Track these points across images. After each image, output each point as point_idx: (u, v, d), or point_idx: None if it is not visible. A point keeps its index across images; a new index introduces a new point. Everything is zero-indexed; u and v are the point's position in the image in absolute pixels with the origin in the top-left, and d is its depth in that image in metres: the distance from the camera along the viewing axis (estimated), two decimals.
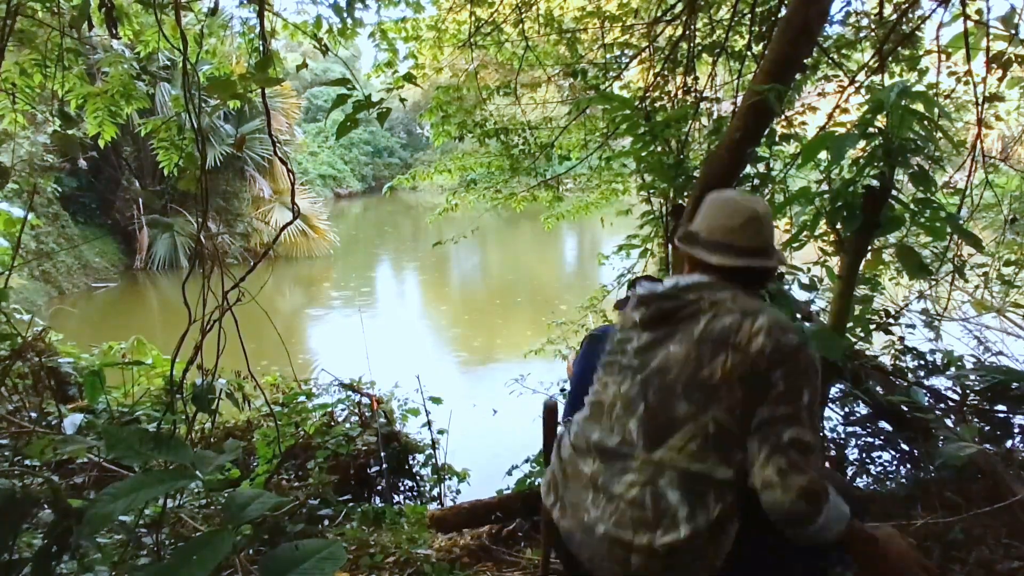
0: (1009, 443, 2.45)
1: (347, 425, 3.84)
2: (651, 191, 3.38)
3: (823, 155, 1.87)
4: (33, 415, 2.73)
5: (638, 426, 1.37)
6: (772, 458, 1.26)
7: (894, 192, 1.88)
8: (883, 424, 2.81)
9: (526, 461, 3.12)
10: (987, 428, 2.49)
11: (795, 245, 2.18)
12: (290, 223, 3.62)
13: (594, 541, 1.35)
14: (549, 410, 1.68)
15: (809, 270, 2.71)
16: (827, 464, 2.62)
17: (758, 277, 1.51)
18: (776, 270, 1.62)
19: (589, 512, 1.37)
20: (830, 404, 2.74)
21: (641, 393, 1.39)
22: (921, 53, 3.86)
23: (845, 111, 3.74)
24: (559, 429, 1.95)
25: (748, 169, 3.01)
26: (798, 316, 2.29)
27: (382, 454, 3.56)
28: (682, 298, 1.43)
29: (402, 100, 2.99)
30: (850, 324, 2.24)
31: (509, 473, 3.05)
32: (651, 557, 1.29)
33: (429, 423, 3.84)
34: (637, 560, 1.30)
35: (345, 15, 3.73)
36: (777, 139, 3.04)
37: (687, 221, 1.61)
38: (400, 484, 3.90)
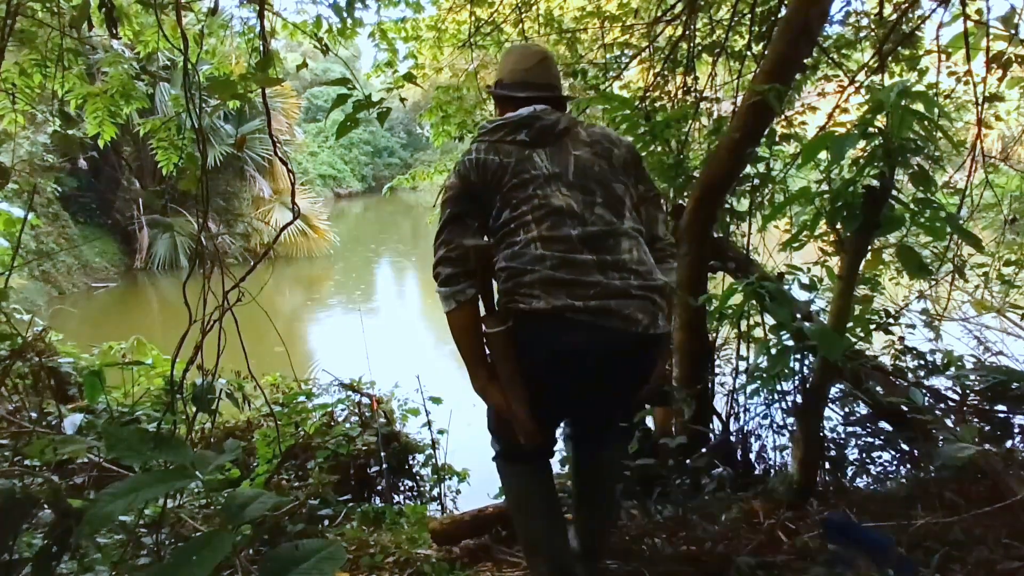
0: (1009, 443, 2.45)
1: (347, 425, 3.84)
2: None
3: (823, 155, 1.87)
4: (33, 415, 2.73)
5: (605, 210, 1.68)
6: (664, 225, 1.86)
7: (894, 192, 1.88)
8: (883, 424, 2.81)
9: None
10: (987, 428, 2.49)
11: (795, 245, 2.18)
12: (290, 223, 3.61)
13: (628, 304, 1.59)
14: (483, 249, 1.72)
15: (809, 270, 2.71)
16: (827, 464, 2.62)
17: (558, 104, 1.85)
18: (567, 101, 1.96)
19: (613, 283, 1.60)
20: (830, 404, 2.73)
21: (586, 188, 1.69)
22: (921, 53, 3.86)
23: (845, 111, 3.74)
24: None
25: (748, 169, 3.02)
26: (798, 316, 2.29)
27: (382, 454, 3.56)
28: (547, 119, 1.74)
29: (402, 100, 2.99)
30: (850, 324, 2.24)
31: None
32: (661, 293, 1.67)
33: (429, 423, 3.83)
34: (658, 297, 1.66)
35: (345, 15, 3.73)
36: (777, 139, 3.04)
37: (502, 80, 1.90)
38: (400, 484, 3.89)
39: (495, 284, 1.73)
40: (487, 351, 1.70)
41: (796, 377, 2.40)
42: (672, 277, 1.82)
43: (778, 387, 2.58)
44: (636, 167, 1.81)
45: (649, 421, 2.85)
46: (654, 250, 1.77)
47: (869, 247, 2.03)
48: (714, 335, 3.20)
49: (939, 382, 2.80)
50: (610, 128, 1.87)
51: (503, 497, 2.75)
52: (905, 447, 2.71)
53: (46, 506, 1.43)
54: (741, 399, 3.01)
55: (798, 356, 2.30)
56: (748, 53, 3.85)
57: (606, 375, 1.64)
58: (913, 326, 3.09)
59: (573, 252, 1.61)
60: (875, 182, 1.87)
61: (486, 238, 1.75)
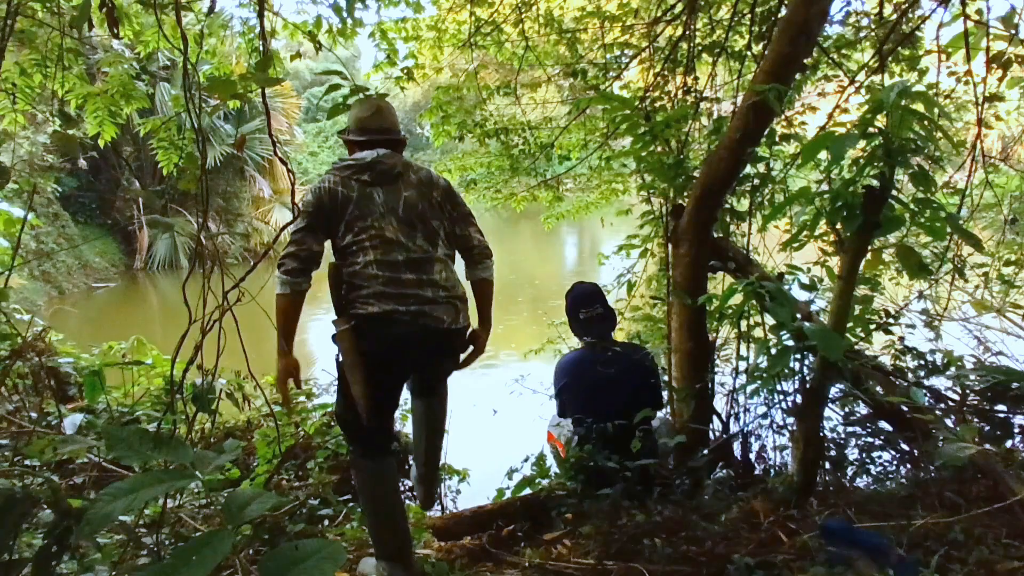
0: (1009, 443, 2.45)
1: None
2: (651, 191, 3.38)
3: (823, 155, 1.87)
4: (33, 415, 2.73)
5: (424, 241, 2.21)
6: (478, 234, 2.36)
7: (894, 192, 1.87)
8: (883, 424, 2.81)
9: (525, 461, 3.12)
10: (987, 428, 2.49)
11: (795, 245, 2.18)
12: (290, 223, 3.60)
13: (437, 308, 2.18)
14: (335, 268, 2.25)
15: (809, 270, 2.71)
16: (827, 464, 2.62)
17: (397, 146, 2.32)
18: (405, 140, 2.40)
19: (427, 295, 2.17)
20: (830, 404, 2.74)
21: (411, 223, 2.20)
22: (921, 53, 3.86)
23: (845, 111, 3.74)
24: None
25: (748, 169, 3.01)
26: (798, 316, 2.29)
27: None
28: (386, 163, 2.22)
29: (402, 88, 3.00)
30: (850, 324, 2.24)
31: (509, 476, 3.05)
32: (462, 300, 2.27)
33: None
34: (459, 303, 2.25)
35: (345, 15, 3.73)
36: (777, 139, 3.04)
37: (348, 128, 2.38)
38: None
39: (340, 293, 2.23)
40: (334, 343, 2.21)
41: (796, 377, 2.40)
42: (489, 273, 2.39)
43: (778, 387, 2.58)
44: (450, 200, 2.33)
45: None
46: (471, 256, 2.36)
47: (869, 247, 2.03)
48: (714, 335, 3.20)
49: (939, 382, 2.80)
50: (432, 169, 2.39)
51: (506, 494, 2.75)
52: (905, 447, 2.71)
53: (46, 506, 1.43)
54: (741, 399, 3.01)
55: (798, 356, 2.30)
56: (748, 53, 3.85)
57: (426, 354, 2.26)
58: (913, 326, 3.09)
59: (399, 272, 2.15)
60: (875, 182, 1.87)
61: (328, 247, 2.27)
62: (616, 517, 2.41)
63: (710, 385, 3.05)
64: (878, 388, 2.73)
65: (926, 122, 1.82)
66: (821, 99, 4.18)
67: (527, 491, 2.88)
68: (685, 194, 3.16)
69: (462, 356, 2.41)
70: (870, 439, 2.77)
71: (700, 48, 4.09)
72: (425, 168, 2.38)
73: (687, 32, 4.06)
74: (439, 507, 3.57)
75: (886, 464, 2.77)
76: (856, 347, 2.68)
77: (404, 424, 4.01)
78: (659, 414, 3.08)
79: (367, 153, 2.23)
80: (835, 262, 2.38)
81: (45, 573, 1.30)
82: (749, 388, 2.82)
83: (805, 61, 2.96)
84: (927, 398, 2.62)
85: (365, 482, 2.23)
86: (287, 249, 2.19)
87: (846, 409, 2.89)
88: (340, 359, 2.20)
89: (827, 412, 2.68)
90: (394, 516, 2.23)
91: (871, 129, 1.82)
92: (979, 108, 3.23)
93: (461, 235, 2.34)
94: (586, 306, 3.14)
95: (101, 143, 3.66)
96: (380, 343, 2.15)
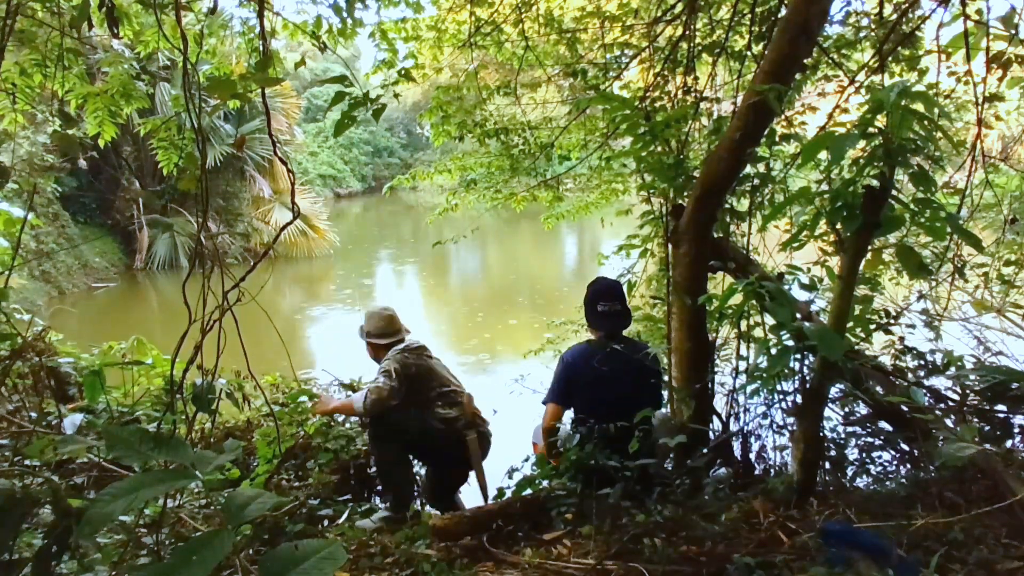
0: (1009, 443, 2.45)
1: (347, 425, 3.84)
2: (651, 191, 3.38)
3: (823, 155, 1.87)
4: (33, 415, 2.73)
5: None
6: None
7: (894, 192, 1.87)
8: (883, 424, 2.80)
9: (525, 460, 3.12)
10: (987, 428, 2.48)
11: (795, 245, 2.18)
12: (290, 223, 3.62)
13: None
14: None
15: (809, 270, 2.70)
16: (827, 464, 2.62)
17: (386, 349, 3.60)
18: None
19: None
20: (830, 404, 2.73)
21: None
22: (921, 53, 3.85)
23: (845, 111, 3.74)
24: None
25: (748, 169, 3.01)
26: (798, 316, 2.29)
27: None
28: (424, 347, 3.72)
29: (396, 95, 3.01)
30: (850, 324, 2.23)
31: (509, 476, 3.05)
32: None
33: None
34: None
35: (345, 15, 3.73)
36: (777, 139, 3.04)
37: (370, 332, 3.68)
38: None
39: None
40: None
41: (796, 377, 2.39)
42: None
43: (778, 387, 2.58)
44: None
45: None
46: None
47: (869, 247, 2.03)
48: (714, 335, 3.20)
49: (939, 382, 2.79)
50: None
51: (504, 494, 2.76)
52: (905, 447, 2.71)
53: (46, 506, 1.43)
54: (741, 399, 3.01)
55: (798, 356, 2.30)
56: (748, 53, 3.85)
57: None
58: (913, 326, 3.08)
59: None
60: (875, 182, 1.87)
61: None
62: (616, 517, 2.41)
63: (710, 385, 3.05)
64: (878, 388, 2.73)
65: (926, 122, 1.81)
66: (821, 99, 4.18)
67: (528, 491, 2.88)
68: (685, 194, 3.16)
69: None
70: (870, 439, 2.77)
71: (700, 48, 4.09)
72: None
73: (687, 32, 4.06)
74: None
75: (886, 464, 2.77)
76: (856, 347, 2.67)
77: None
78: (657, 412, 3.09)
79: (411, 342, 3.63)
80: (835, 262, 2.38)
81: (45, 573, 1.30)
82: (749, 388, 2.82)
83: (805, 61, 2.96)
84: (927, 398, 2.62)
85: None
86: (386, 382, 3.35)
87: (846, 409, 2.89)
88: None
89: (827, 412, 2.68)
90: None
91: (871, 129, 1.82)
92: (979, 108, 3.23)
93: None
94: (606, 300, 3.19)
95: (101, 143, 3.66)
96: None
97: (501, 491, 2.92)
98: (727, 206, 3.16)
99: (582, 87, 4.75)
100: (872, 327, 2.80)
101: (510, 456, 3.22)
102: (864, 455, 2.74)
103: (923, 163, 1.96)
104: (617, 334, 3.22)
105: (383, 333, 3.58)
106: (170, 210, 12.05)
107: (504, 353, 8.83)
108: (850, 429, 2.81)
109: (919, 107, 1.77)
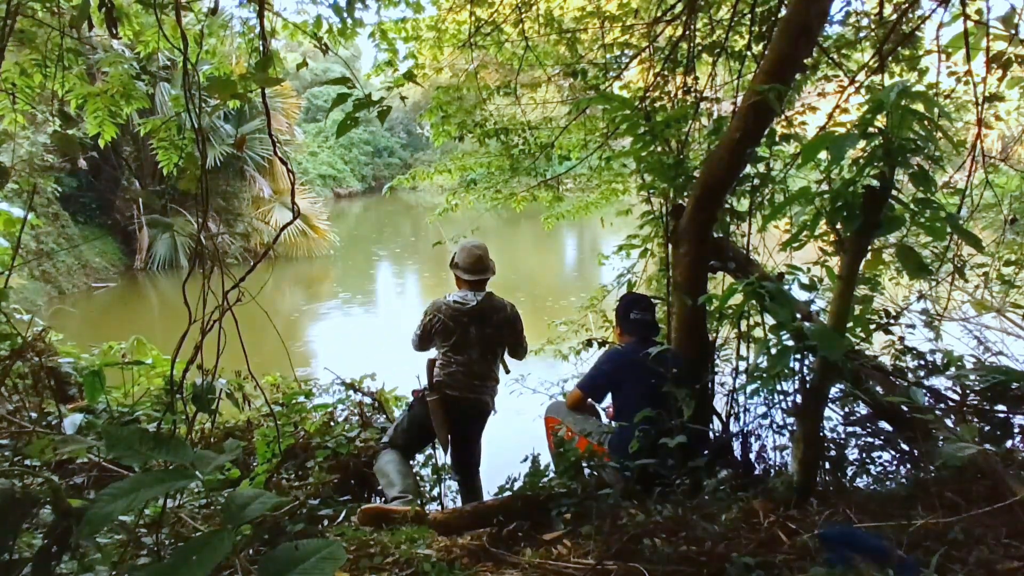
0: (1009, 443, 2.44)
1: (347, 425, 3.84)
2: (651, 191, 3.38)
3: (823, 155, 1.87)
4: (33, 415, 2.73)
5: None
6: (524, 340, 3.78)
7: (894, 192, 1.87)
8: (883, 424, 2.80)
9: (524, 460, 3.12)
10: (987, 428, 2.48)
11: (795, 245, 2.18)
12: (290, 223, 3.62)
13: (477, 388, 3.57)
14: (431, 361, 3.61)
15: (809, 270, 2.70)
16: (827, 464, 2.62)
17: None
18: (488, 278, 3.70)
19: (474, 381, 3.55)
20: (830, 404, 2.73)
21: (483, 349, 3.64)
22: (921, 53, 3.86)
23: (845, 111, 3.74)
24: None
25: (748, 169, 3.01)
26: (798, 316, 2.29)
27: None
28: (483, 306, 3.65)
29: (403, 98, 3.00)
30: (850, 324, 2.23)
31: (510, 477, 3.05)
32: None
33: None
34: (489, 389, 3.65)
35: (345, 15, 3.73)
36: (777, 139, 3.04)
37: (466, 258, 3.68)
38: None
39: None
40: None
41: (796, 377, 2.39)
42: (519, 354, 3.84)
43: (778, 387, 2.58)
44: (512, 330, 3.73)
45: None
46: (516, 353, 3.80)
47: (869, 247, 2.03)
48: (714, 335, 3.20)
49: (939, 382, 2.79)
50: (511, 306, 3.75)
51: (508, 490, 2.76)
52: (905, 447, 2.71)
53: (46, 506, 1.43)
54: (741, 399, 3.01)
55: (798, 356, 2.30)
56: (748, 53, 3.85)
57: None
58: (913, 326, 3.08)
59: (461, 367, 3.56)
60: (875, 182, 1.87)
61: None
62: (616, 517, 2.41)
63: (710, 385, 3.05)
64: (878, 388, 2.73)
65: (926, 122, 1.81)
66: (821, 99, 4.18)
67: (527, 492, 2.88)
68: (685, 194, 3.16)
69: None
70: (870, 439, 2.77)
71: (700, 48, 4.09)
72: (505, 309, 3.68)
73: (687, 32, 4.06)
74: (439, 507, 3.57)
75: (886, 464, 2.77)
76: (856, 347, 2.67)
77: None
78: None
79: (469, 297, 3.60)
80: (835, 262, 2.38)
81: (45, 573, 1.30)
82: (749, 388, 2.82)
83: (805, 61, 2.96)
84: (927, 398, 2.62)
85: (385, 459, 3.39)
86: (417, 339, 3.69)
87: (846, 409, 2.89)
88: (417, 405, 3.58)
89: (827, 412, 2.68)
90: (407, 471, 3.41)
91: (871, 129, 1.82)
92: (979, 108, 3.23)
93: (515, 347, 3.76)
94: (638, 309, 3.37)
95: (101, 143, 3.66)
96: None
97: (502, 488, 2.92)
98: (727, 206, 3.16)
99: (582, 87, 4.76)
100: (872, 327, 2.80)
101: (510, 456, 3.22)
102: (864, 455, 2.74)
103: (923, 163, 1.96)
104: (649, 338, 3.30)
105: (469, 269, 3.65)
106: (170, 210, 12.04)
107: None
108: (850, 429, 2.81)
109: (919, 107, 1.77)
